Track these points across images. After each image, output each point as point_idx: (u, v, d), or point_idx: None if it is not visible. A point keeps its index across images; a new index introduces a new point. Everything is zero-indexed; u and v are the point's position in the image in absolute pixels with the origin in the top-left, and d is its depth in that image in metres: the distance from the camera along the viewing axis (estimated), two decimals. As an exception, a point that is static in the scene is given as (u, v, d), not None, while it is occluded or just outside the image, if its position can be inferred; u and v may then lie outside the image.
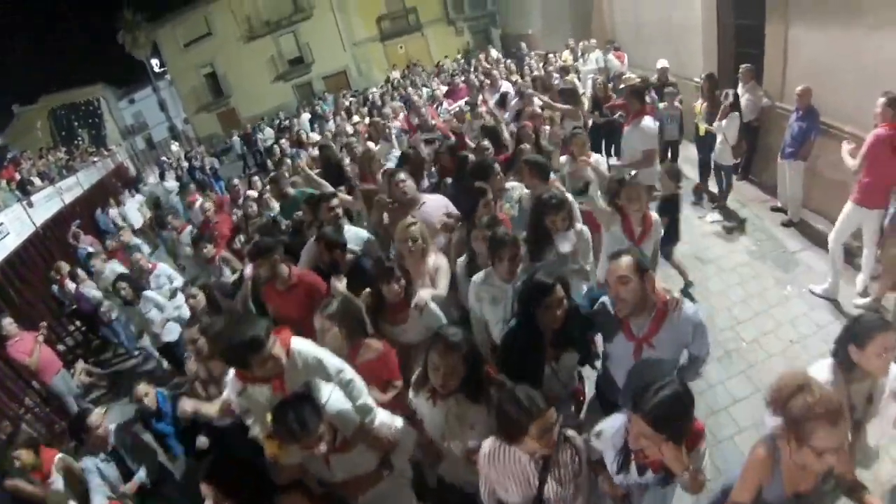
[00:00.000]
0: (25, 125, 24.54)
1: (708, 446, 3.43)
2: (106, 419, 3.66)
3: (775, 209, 6.11)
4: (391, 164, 6.13)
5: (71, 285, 7.24)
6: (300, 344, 2.50)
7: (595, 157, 4.83)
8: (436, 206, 4.12)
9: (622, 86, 7.63)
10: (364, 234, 4.28)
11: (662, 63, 7.87)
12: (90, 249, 9.06)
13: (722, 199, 6.40)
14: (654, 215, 3.55)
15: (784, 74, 5.93)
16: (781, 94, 6.02)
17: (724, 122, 5.84)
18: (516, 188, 4.27)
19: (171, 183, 14.24)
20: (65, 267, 7.58)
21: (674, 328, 2.34)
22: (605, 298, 2.56)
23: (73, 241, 9.66)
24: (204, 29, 25.24)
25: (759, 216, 6.14)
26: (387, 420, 2.59)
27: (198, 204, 7.97)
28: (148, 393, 3.69)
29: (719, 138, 5.97)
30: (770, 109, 6.26)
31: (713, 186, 6.62)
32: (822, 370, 2.19)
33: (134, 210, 12.41)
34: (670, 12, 8.47)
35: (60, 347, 7.77)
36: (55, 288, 7.97)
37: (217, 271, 5.16)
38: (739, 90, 6.23)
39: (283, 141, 11.79)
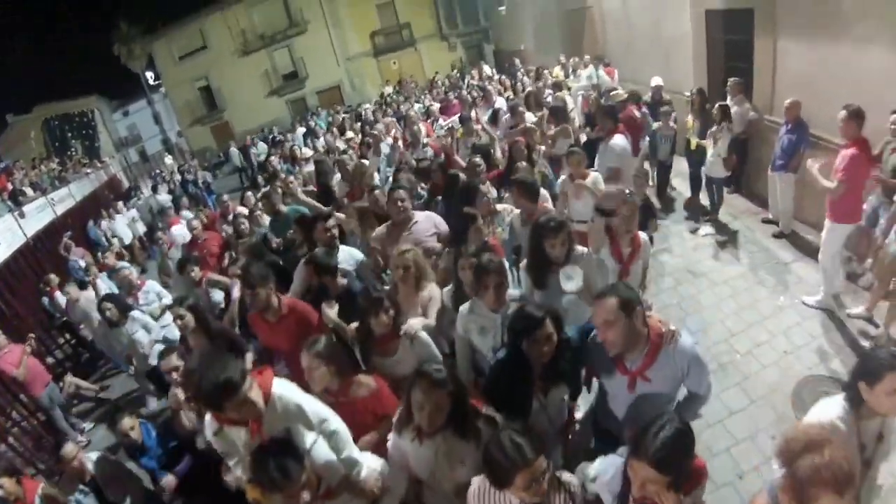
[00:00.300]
0: (19, 135, 24.43)
1: (704, 459, 3.48)
2: (81, 452, 3.49)
3: (766, 221, 6.18)
4: (379, 178, 6.22)
5: (61, 297, 7.17)
6: (281, 388, 2.33)
7: (593, 176, 4.77)
8: (427, 225, 4.12)
9: (610, 102, 7.63)
10: (358, 254, 4.20)
11: (657, 81, 7.73)
12: (81, 263, 9.01)
13: (713, 212, 6.46)
14: (643, 235, 3.42)
15: (773, 88, 6.04)
16: (771, 107, 6.12)
17: (716, 135, 5.92)
18: (507, 210, 4.22)
19: (164, 196, 14.22)
20: (55, 279, 7.51)
21: (669, 361, 2.25)
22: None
23: (65, 253, 9.59)
24: (199, 42, 25.35)
25: (750, 228, 6.21)
26: (374, 466, 2.47)
27: (182, 224, 7.89)
28: (133, 427, 3.46)
29: (710, 152, 6.05)
30: (759, 122, 6.36)
31: (705, 200, 6.69)
32: (832, 406, 2.12)
33: (123, 225, 12.27)
34: (661, 27, 8.61)
35: (49, 360, 7.68)
36: (45, 300, 7.90)
37: (204, 294, 5.03)
38: (728, 103, 6.35)
39: (273, 158, 11.65)
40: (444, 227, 4.21)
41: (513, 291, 3.06)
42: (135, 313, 5.16)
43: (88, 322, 6.69)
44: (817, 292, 4.72)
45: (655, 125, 6.90)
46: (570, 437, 2.87)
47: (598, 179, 4.72)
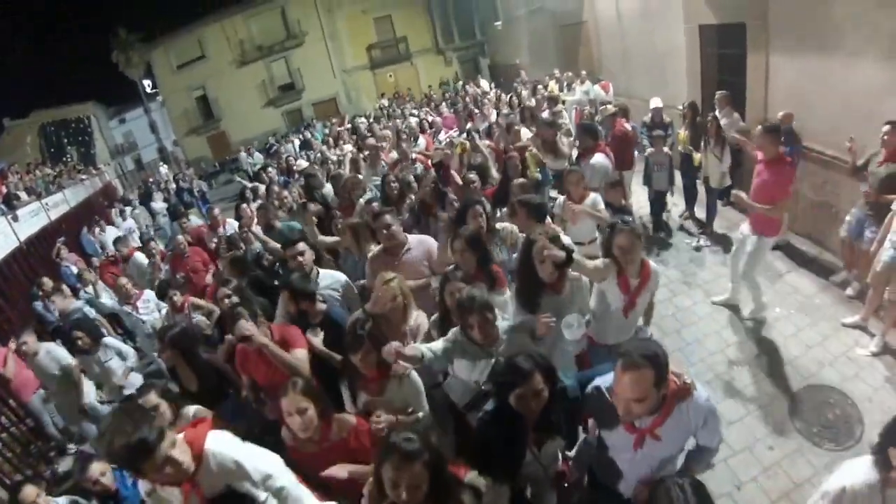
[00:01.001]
0: (15, 139, 24.31)
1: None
2: (42, 497, 3.24)
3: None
4: (370, 194, 6.02)
5: (63, 302, 7.09)
6: (217, 444, 2.11)
7: (592, 196, 4.61)
8: (419, 252, 3.86)
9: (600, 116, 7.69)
10: (341, 277, 3.94)
11: (656, 102, 7.24)
12: (73, 269, 8.93)
13: (708, 224, 6.51)
14: (653, 264, 3.08)
15: (766, 101, 6.14)
16: (764, 119, 6.17)
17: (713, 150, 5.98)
18: (506, 229, 4.05)
19: (159, 204, 14.20)
20: (48, 283, 7.43)
21: (683, 417, 2.04)
22: (599, 382, 2.18)
23: (57, 259, 9.51)
24: (197, 52, 25.45)
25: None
26: None
27: (141, 254, 7.70)
28: (104, 473, 3.15)
29: (713, 165, 6.08)
30: (750, 134, 6.43)
31: (700, 212, 6.75)
32: (859, 468, 2.01)
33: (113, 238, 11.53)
34: (655, 42, 8.75)
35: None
36: (38, 305, 7.81)
37: (186, 319, 4.68)
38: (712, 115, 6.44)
39: (270, 169, 11.37)
40: (434, 251, 3.94)
41: (504, 324, 2.82)
42: (107, 340, 4.90)
43: None
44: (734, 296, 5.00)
45: (649, 150, 6.53)
46: (565, 485, 2.61)
47: (598, 200, 4.59)
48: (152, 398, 2.81)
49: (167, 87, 26.14)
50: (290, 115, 26.22)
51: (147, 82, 27.11)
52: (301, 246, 3.87)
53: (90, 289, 7.50)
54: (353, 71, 26.28)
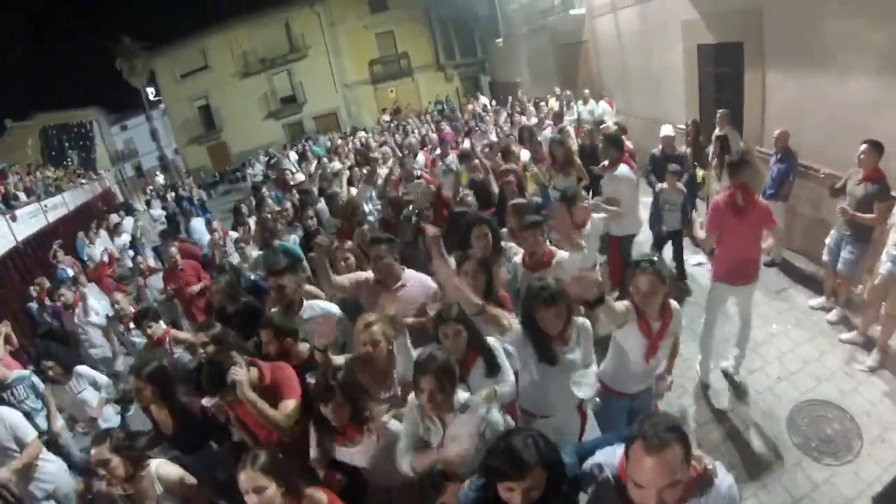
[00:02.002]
0: (16, 140, 24.41)
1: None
2: None
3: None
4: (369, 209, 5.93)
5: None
6: None
7: (591, 221, 4.36)
8: (416, 292, 3.45)
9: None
10: (334, 309, 3.64)
11: (667, 131, 6.38)
12: (69, 272, 8.88)
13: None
14: (675, 303, 2.77)
15: (762, 119, 6.23)
16: (761, 138, 6.29)
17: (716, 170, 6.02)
18: (513, 248, 3.83)
19: (157, 211, 14.15)
20: (46, 282, 7.39)
21: None
22: (599, 458, 1.84)
23: (53, 261, 9.47)
24: (201, 62, 25.70)
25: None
26: None
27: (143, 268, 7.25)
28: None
29: (714, 184, 6.10)
30: (749, 153, 6.50)
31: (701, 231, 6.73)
32: None
33: (100, 251, 10.62)
34: (654, 61, 8.89)
35: (31, 368, 7.46)
36: (32, 306, 7.77)
37: (166, 354, 4.25)
38: (717, 134, 6.52)
39: (264, 188, 10.64)
40: (432, 289, 3.49)
41: (464, 395, 2.36)
42: (80, 368, 4.45)
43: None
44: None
45: (660, 186, 5.77)
46: None
47: (598, 226, 4.13)
48: (104, 452, 2.49)
49: (170, 96, 26.36)
50: (291, 128, 26.37)
51: (150, 90, 27.31)
52: (286, 278, 3.55)
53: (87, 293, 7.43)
54: (355, 85, 26.56)
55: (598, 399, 2.73)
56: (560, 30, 13.49)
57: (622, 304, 2.66)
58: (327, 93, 26.39)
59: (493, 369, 2.64)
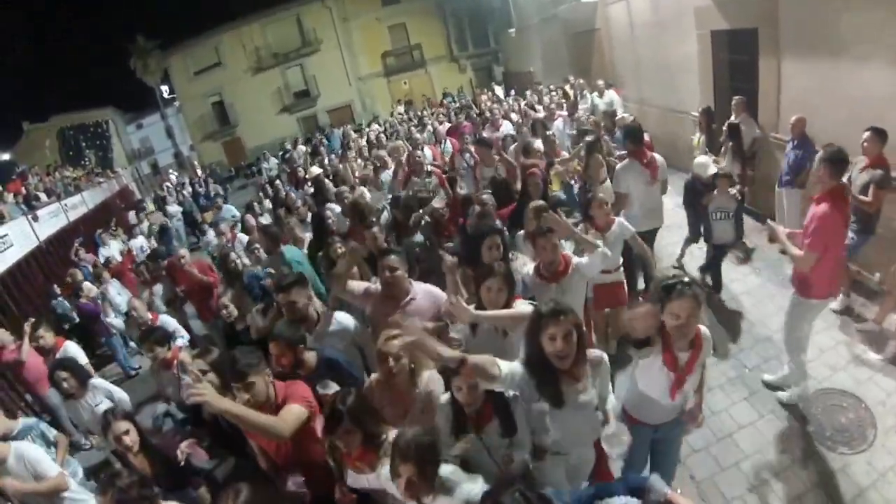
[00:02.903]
0: (34, 142, 24.94)
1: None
2: None
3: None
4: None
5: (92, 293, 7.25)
6: None
7: (618, 222, 4.20)
8: (426, 303, 3.29)
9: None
10: (350, 321, 3.52)
11: (701, 162, 5.49)
12: (90, 268, 9.10)
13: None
14: (704, 330, 2.48)
15: (778, 106, 6.12)
16: (776, 125, 6.19)
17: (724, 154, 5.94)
18: (521, 261, 3.58)
19: (174, 207, 14.31)
20: (78, 275, 7.57)
21: None
22: None
23: (75, 258, 9.70)
24: (214, 59, 25.91)
25: (757, 245, 6.22)
26: None
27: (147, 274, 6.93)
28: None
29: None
30: (764, 140, 6.42)
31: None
32: None
33: (116, 251, 10.90)
34: (668, 49, 8.76)
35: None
36: (55, 302, 7.98)
37: (174, 380, 3.96)
38: (729, 122, 6.44)
39: (277, 183, 10.77)
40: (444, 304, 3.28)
41: (447, 470, 2.12)
42: (95, 381, 4.19)
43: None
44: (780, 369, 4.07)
45: (715, 200, 5.04)
46: None
47: (624, 225, 4.18)
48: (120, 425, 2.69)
49: (184, 94, 26.64)
50: (306, 122, 26.51)
51: (164, 88, 27.65)
52: (296, 292, 3.38)
53: (109, 288, 7.65)
54: (368, 78, 26.57)
55: (624, 437, 2.59)
56: (572, 18, 13.34)
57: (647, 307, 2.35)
58: (341, 86, 26.45)
59: (508, 430, 2.35)
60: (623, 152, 5.62)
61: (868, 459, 3.31)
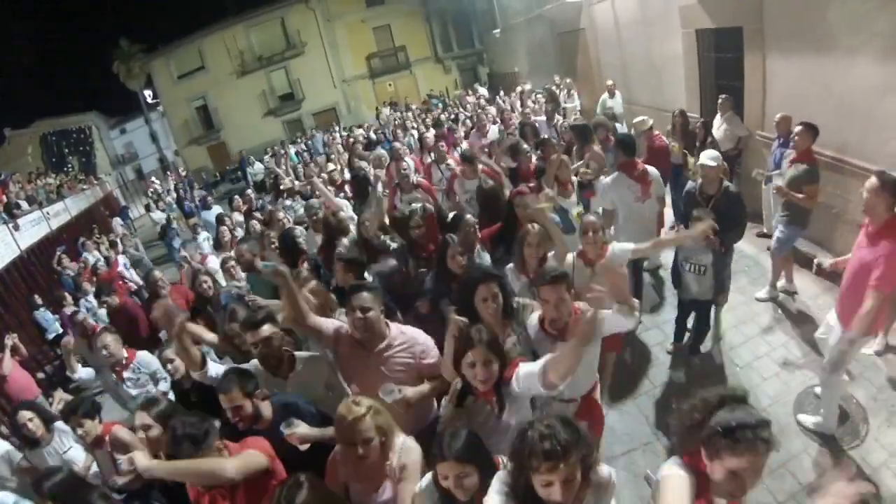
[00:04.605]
0: (16, 149, 24.51)
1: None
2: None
3: (761, 235, 6.23)
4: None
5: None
6: None
7: (616, 249, 3.50)
8: (409, 351, 2.75)
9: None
10: (317, 354, 3.06)
11: (707, 161, 4.16)
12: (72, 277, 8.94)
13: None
14: None
15: (763, 104, 6.17)
16: (762, 122, 6.23)
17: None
18: (529, 306, 2.92)
19: (158, 214, 14.12)
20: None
21: None
22: None
23: (58, 267, 9.53)
24: (198, 62, 25.65)
25: (745, 242, 6.22)
26: None
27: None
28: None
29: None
30: (750, 138, 6.46)
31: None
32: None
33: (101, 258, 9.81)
34: (653, 47, 8.80)
35: (40, 375, 7.54)
36: (37, 313, 7.83)
37: (108, 460, 3.39)
38: (717, 120, 6.46)
39: (248, 192, 9.69)
40: (430, 354, 2.77)
41: None
42: (59, 424, 3.61)
43: None
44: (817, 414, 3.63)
45: (685, 249, 3.96)
46: None
47: (624, 250, 3.50)
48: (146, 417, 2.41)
49: (168, 98, 26.32)
50: (291, 125, 26.31)
51: (148, 92, 27.35)
52: (267, 328, 2.84)
53: (90, 297, 7.53)
54: (353, 80, 26.48)
55: None
56: (557, 18, 13.37)
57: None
58: (326, 89, 26.34)
59: None
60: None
61: (861, 455, 3.33)
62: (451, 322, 2.38)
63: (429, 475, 1.98)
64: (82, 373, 5.01)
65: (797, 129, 4.51)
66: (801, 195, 4.40)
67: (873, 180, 2.91)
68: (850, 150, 4.95)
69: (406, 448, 2.22)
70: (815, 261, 3.77)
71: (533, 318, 2.79)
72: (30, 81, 30.67)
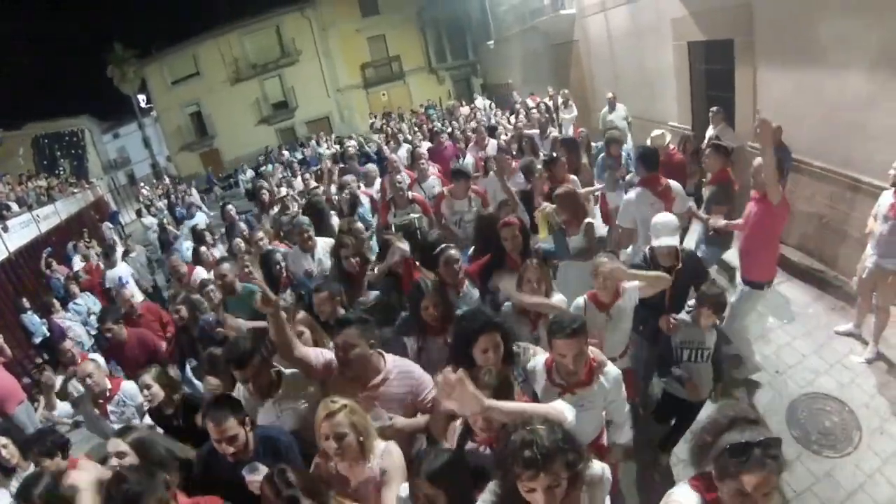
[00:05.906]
0: (7, 151, 24.17)
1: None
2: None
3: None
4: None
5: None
6: None
7: (627, 293, 3.07)
8: (401, 386, 2.60)
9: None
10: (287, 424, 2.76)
11: None
12: (62, 279, 8.82)
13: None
14: None
15: (754, 115, 6.23)
16: (754, 133, 6.30)
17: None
18: (531, 352, 2.71)
19: (149, 219, 14.01)
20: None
21: None
22: None
23: (46, 270, 9.41)
24: (192, 68, 25.64)
25: (735, 252, 6.27)
26: None
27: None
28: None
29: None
30: (741, 149, 6.54)
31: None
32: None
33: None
34: (645, 59, 8.91)
35: (26, 381, 7.40)
36: (24, 317, 7.71)
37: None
38: (709, 131, 6.54)
39: (228, 206, 7.97)
40: (427, 384, 2.62)
41: None
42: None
43: None
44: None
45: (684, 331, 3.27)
46: None
47: (634, 291, 3.10)
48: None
49: (161, 103, 26.24)
50: (284, 133, 26.31)
51: (141, 98, 27.22)
52: (254, 365, 2.65)
53: (80, 300, 7.44)
54: (347, 90, 26.56)
55: None
56: (551, 30, 13.54)
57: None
58: (319, 98, 26.39)
59: None
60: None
61: (855, 462, 3.35)
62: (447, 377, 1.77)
63: (406, 485, 1.97)
64: (61, 410, 4.79)
65: (706, 151, 4.49)
66: (738, 221, 4.11)
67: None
68: (839, 160, 5.03)
69: (387, 451, 2.18)
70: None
71: (538, 364, 2.55)
72: (23, 83, 30.44)
